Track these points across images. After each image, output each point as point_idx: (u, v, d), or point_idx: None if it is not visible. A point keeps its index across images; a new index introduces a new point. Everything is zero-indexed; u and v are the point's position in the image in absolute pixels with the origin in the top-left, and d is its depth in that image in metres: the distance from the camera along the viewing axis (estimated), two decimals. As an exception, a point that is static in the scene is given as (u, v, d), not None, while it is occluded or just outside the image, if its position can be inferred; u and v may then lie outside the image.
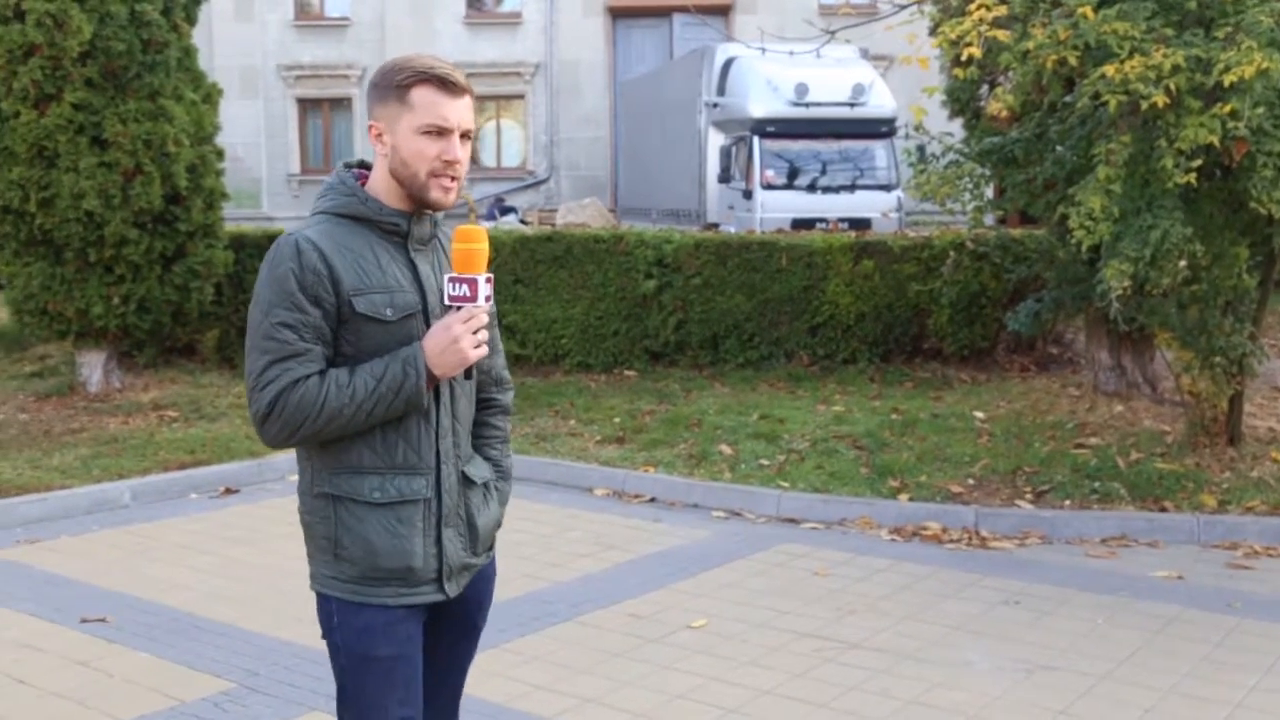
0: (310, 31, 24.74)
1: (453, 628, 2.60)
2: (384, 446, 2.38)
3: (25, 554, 6.36)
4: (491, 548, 2.63)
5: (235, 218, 12.52)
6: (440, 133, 2.35)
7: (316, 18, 25.13)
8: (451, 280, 2.34)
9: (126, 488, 7.45)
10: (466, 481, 2.52)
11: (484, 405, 2.65)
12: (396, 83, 2.36)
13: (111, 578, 5.92)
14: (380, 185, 2.41)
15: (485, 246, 2.36)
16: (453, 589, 2.49)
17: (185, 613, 5.38)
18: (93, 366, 9.93)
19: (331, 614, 2.43)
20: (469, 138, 2.40)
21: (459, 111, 2.36)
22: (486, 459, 2.64)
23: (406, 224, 2.41)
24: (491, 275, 2.36)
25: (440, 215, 2.51)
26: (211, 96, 10.01)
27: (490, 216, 21.76)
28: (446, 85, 2.35)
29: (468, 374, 2.43)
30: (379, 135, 2.39)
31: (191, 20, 9.85)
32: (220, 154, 10.12)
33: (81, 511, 7.16)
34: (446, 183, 2.38)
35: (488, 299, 2.35)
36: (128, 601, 5.54)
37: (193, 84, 9.76)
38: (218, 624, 5.23)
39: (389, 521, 2.39)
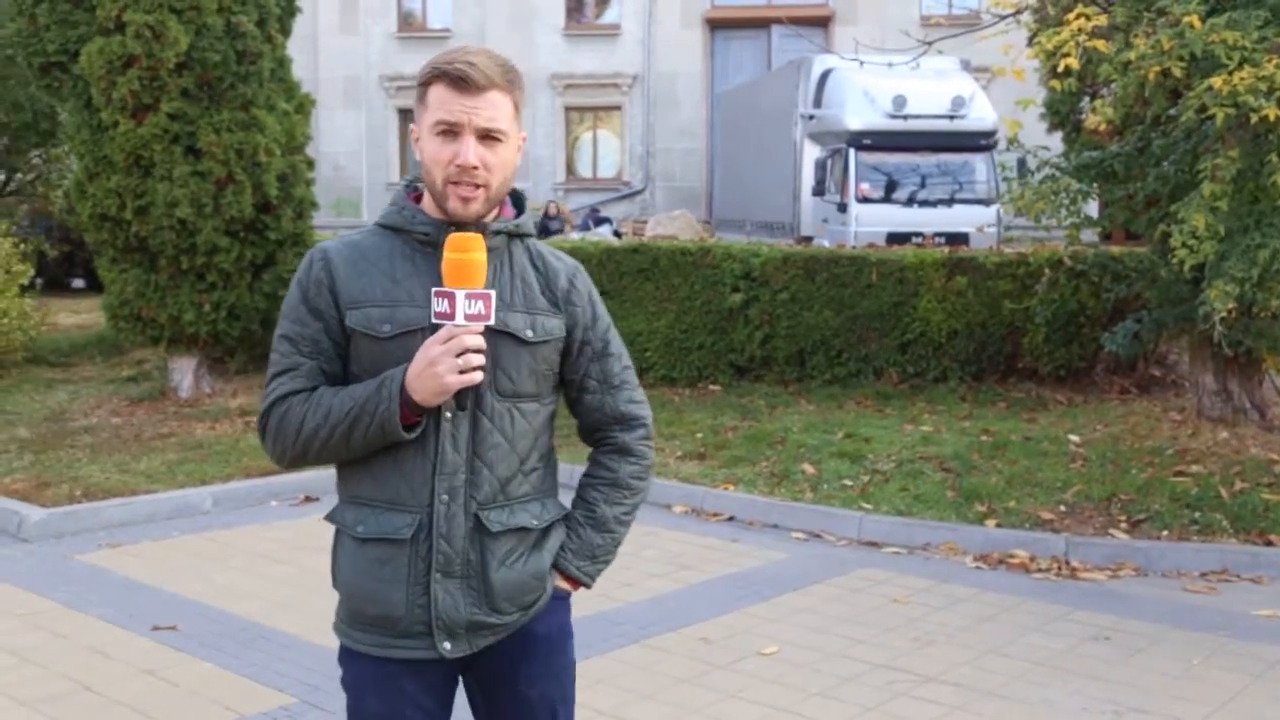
0: (412, 43, 25.11)
1: (493, 695, 2.30)
2: (382, 476, 2.17)
3: (106, 558, 6.45)
4: (532, 605, 2.25)
5: (336, 225, 12.72)
6: (451, 133, 2.11)
7: (419, 29, 25.54)
8: (436, 295, 2.07)
9: (209, 494, 7.54)
10: (480, 528, 2.18)
11: (598, 443, 2.39)
12: (420, 81, 2.17)
13: (186, 584, 5.96)
14: (426, 195, 2.22)
15: (482, 257, 2.05)
16: (455, 648, 2.18)
17: (254, 623, 5.39)
18: (184, 372, 10.12)
19: (340, 657, 2.28)
20: (495, 139, 2.12)
21: (473, 108, 2.10)
22: (584, 501, 2.34)
23: (436, 233, 2.15)
24: (489, 293, 2.06)
25: (500, 224, 2.20)
26: (304, 107, 10.16)
27: (584, 227, 21.83)
28: (457, 81, 2.10)
29: (460, 404, 2.11)
30: (416, 140, 2.20)
31: (286, 32, 10.01)
32: (310, 164, 10.26)
33: (164, 516, 7.26)
34: (465, 191, 2.12)
35: (471, 317, 2.04)
36: (199, 609, 5.57)
37: (285, 94, 9.92)
38: (285, 635, 5.22)
39: (369, 561, 2.17)
